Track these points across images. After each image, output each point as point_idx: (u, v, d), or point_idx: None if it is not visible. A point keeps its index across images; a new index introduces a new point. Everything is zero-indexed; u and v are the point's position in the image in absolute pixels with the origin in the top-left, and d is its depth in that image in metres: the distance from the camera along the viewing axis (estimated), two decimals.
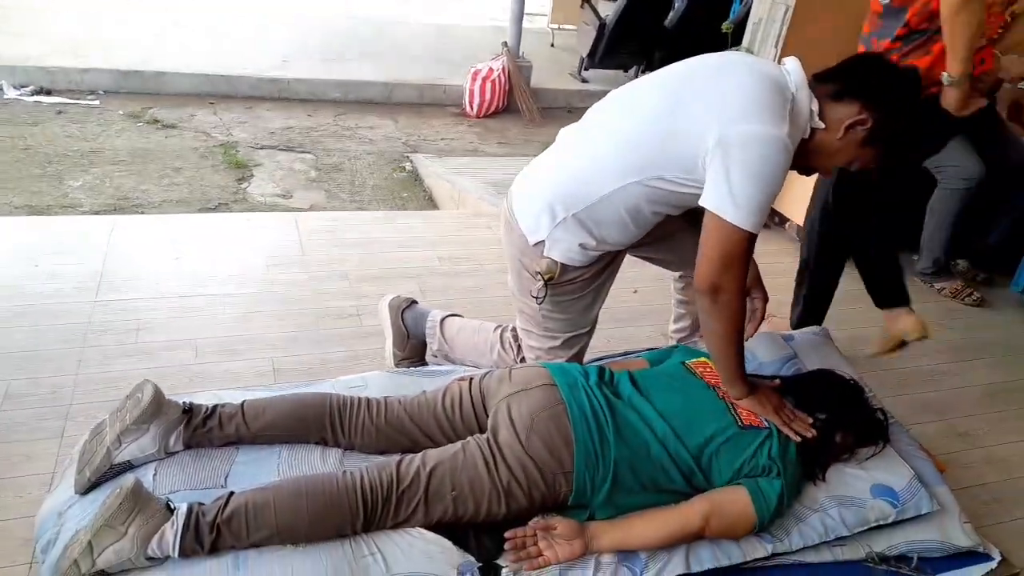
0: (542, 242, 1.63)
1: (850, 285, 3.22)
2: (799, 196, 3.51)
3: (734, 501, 1.36)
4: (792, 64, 1.49)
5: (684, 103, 1.46)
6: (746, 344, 1.87)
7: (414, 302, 2.13)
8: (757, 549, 1.39)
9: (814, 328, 2.06)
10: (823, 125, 1.47)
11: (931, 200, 3.13)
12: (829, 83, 1.49)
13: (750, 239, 1.41)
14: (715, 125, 1.39)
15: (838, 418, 1.51)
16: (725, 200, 1.38)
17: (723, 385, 1.49)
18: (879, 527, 1.47)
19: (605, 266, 1.71)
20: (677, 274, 2.05)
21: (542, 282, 1.66)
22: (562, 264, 1.63)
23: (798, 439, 1.44)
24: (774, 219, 3.73)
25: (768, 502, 1.35)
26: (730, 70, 1.49)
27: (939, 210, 3.09)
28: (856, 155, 1.52)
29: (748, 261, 1.45)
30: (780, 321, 2.47)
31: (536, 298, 1.70)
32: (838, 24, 3.14)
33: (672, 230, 1.77)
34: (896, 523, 1.48)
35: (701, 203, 1.42)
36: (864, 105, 1.45)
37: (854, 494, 1.48)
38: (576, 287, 1.70)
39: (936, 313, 3.08)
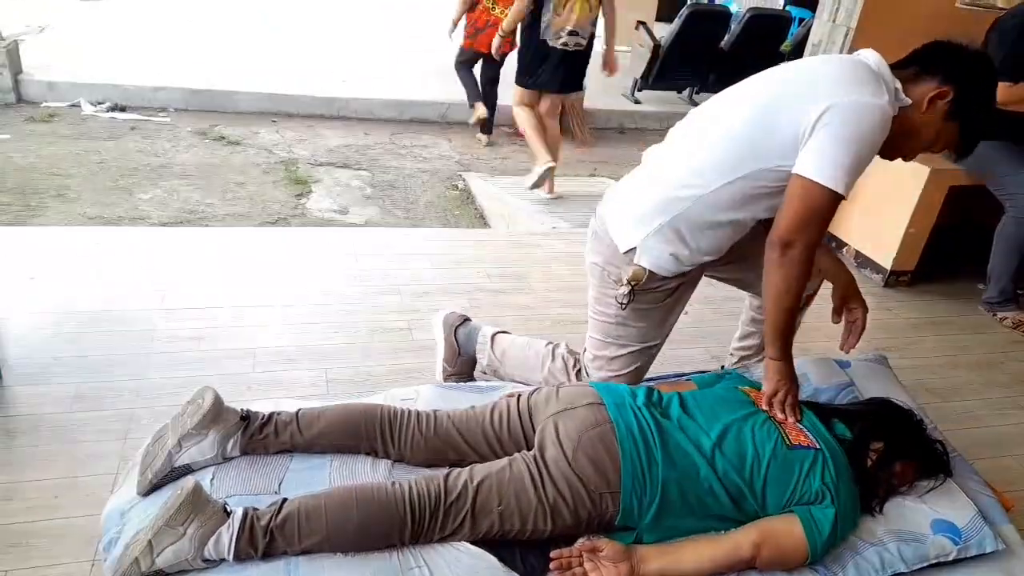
0: (633, 249, 1.66)
1: (909, 313, 3.14)
2: (857, 224, 3.44)
3: (786, 531, 1.32)
4: (868, 51, 1.54)
5: (776, 96, 1.51)
6: (801, 369, 1.85)
7: (468, 319, 2.16)
8: None
9: (871, 355, 2.01)
10: (909, 101, 1.49)
11: (998, 227, 3.05)
12: (906, 67, 1.53)
13: (832, 198, 1.41)
14: (814, 103, 1.42)
15: (896, 448, 1.47)
16: (810, 159, 1.42)
17: (765, 340, 1.56)
18: (939, 564, 1.42)
19: (688, 281, 1.74)
20: (752, 292, 2.04)
21: (629, 288, 1.68)
22: (649, 272, 1.66)
23: (772, 413, 1.48)
24: (831, 244, 3.65)
25: (821, 532, 1.31)
26: (809, 63, 1.57)
27: (1006, 238, 3.02)
28: (940, 131, 1.54)
29: (826, 222, 1.47)
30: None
31: (621, 304, 1.72)
32: (902, 47, 3.09)
33: (755, 250, 1.75)
34: (957, 561, 1.42)
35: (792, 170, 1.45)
36: (944, 78, 1.49)
37: (913, 528, 1.43)
38: (658, 296, 1.72)
39: (998, 344, 2.97)
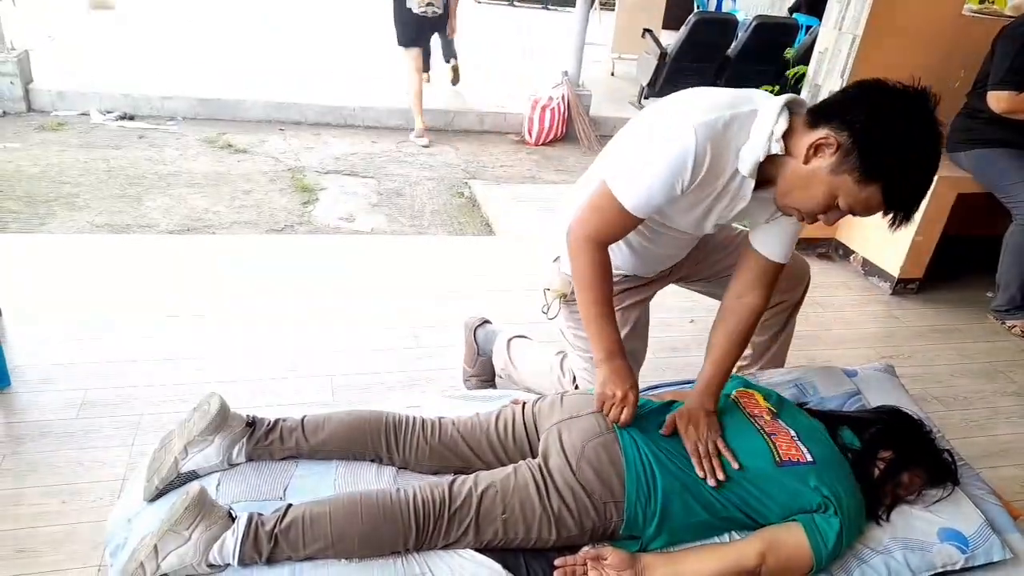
0: (559, 258, 1.71)
1: (916, 322, 3.13)
2: (865, 231, 3.43)
3: (791, 540, 1.31)
4: (785, 96, 1.38)
5: (646, 119, 1.50)
6: (807, 378, 1.84)
7: (488, 321, 2.18)
8: None
9: (878, 364, 2.00)
10: (781, 148, 1.31)
11: (1006, 236, 3.04)
12: (810, 113, 1.34)
13: (616, 206, 1.42)
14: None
15: (904, 457, 1.46)
16: (615, 163, 1.46)
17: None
18: (946, 573, 1.40)
19: (626, 289, 1.75)
20: None
21: (552, 297, 1.73)
22: None
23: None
24: (838, 251, 3.65)
25: (826, 541, 1.30)
26: (700, 93, 1.45)
27: (1014, 246, 3.00)
28: (832, 187, 1.29)
29: (609, 228, 1.48)
30: None
31: (545, 314, 1.76)
32: (909, 55, 3.10)
33: (728, 264, 1.77)
34: (965, 570, 1.41)
35: None
36: (833, 127, 1.27)
37: (920, 537, 1.42)
38: None
39: (1006, 352, 2.95)
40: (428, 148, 5.24)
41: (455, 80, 6.32)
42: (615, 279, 1.67)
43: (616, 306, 1.71)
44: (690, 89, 1.48)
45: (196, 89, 5.36)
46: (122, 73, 5.53)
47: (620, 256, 1.68)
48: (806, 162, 1.30)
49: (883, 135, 1.23)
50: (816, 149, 1.29)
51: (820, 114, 1.31)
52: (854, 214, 1.33)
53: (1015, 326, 3.10)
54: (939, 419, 1.92)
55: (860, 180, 1.26)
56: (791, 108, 1.36)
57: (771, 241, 1.55)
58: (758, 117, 1.34)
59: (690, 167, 1.33)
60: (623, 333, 1.77)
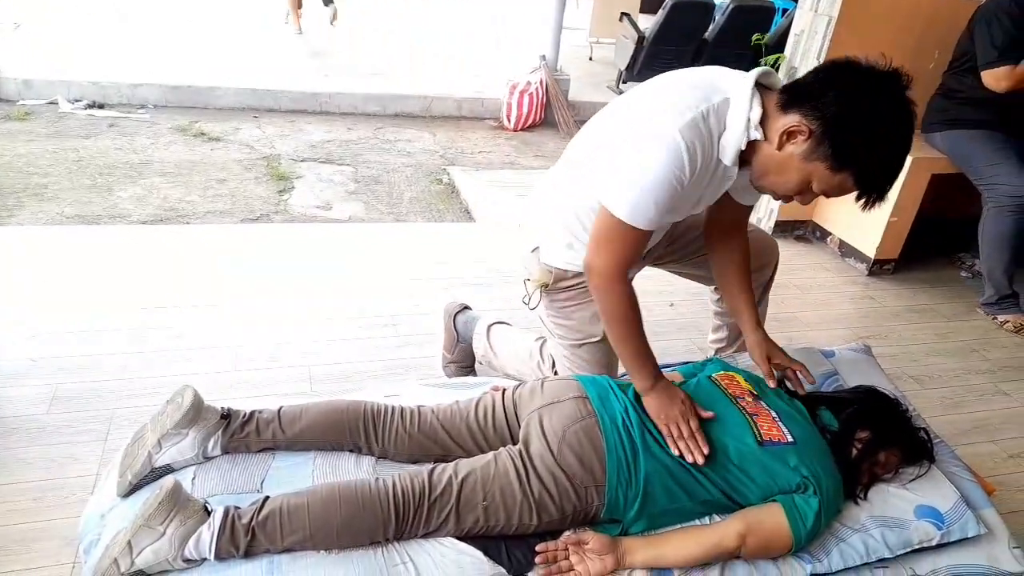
0: (538, 248, 1.69)
1: (892, 302, 3.16)
2: (841, 213, 3.45)
3: (771, 521, 1.32)
4: (755, 71, 1.37)
5: (627, 110, 1.49)
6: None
7: (467, 307, 2.17)
8: (795, 569, 1.35)
9: (854, 344, 2.02)
10: (760, 135, 1.32)
11: (980, 222, 2.99)
12: (784, 93, 1.33)
13: (623, 227, 1.38)
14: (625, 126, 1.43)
15: (881, 436, 1.47)
16: (608, 184, 1.40)
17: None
18: (923, 549, 1.42)
19: None
20: (713, 287, 2.04)
21: (534, 288, 1.71)
22: (559, 270, 1.68)
23: (677, 454, 1.35)
24: (815, 234, 3.67)
25: (805, 521, 1.31)
26: (672, 80, 1.44)
27: (989, 231, 2.95)
28: (805, 173, 1.30)
29: (625, 251, 1.42)
30: None
31: (526, 304, 1.75)
32: (884, 36, 3.11)
33: (702, 245, 1.77)
34: (941, 546, 1.43)
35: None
36: (804, 112, 1.28)
37: (897, 515, 1.44)
38: (577, 294, 1.72)
39: (980, 330, 2.99)
40: (300, 35, 6.95)
41: (333, 19, 7.29)
42: None
43: None
44: (655, 80, 1.47)
45: (167, 76, 5.25)
46: (91, 60, 5.40)
47: None
48: (779, 148, 1.32)
49: (853, 122, 1.24)
50: (788, 135, 1.30)
51: (792, 97, 1.31)
52: (827, 196, 1.35)
53: (1007, 321, 3.01)
54: (915, 398, 1.94)
55: (832, 167, 1.28)
56: (762, 84, 1.37)
57: (739, 194, 1.61)
58: (731, 105, 1.34)
59: (687, 170, 1.33)
60: None
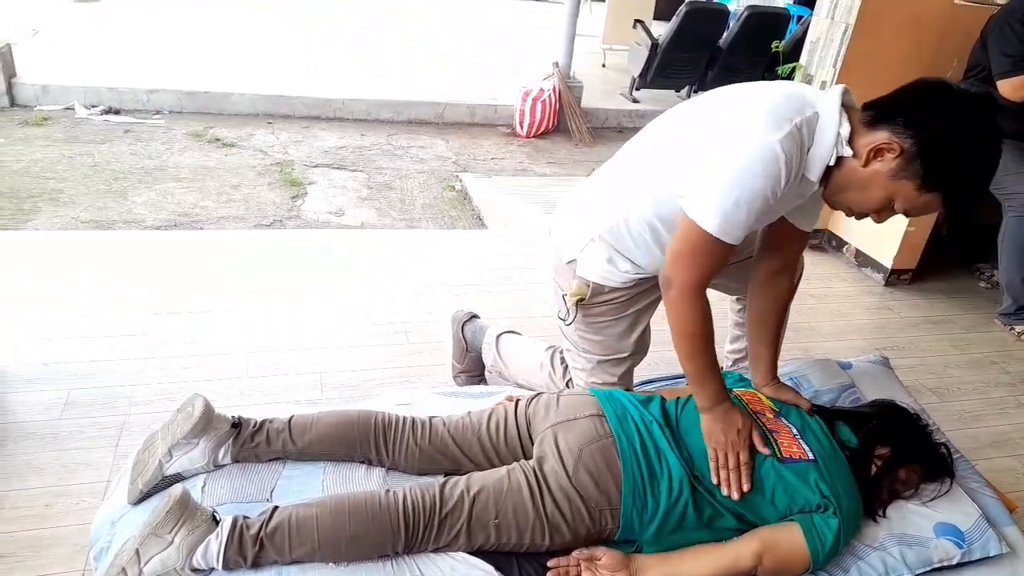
0: (574, 260, 1.63)
1: (910, 312, 3.12)
2: (858, 222, 3.41)
3: (788, 540, 1.29)
4: (837, 87, 1.35)
5: (706, 130, 1.40)
6: (801, 371, 1.83)
7: (475, 316, 2.15)
8: None
9: (872, 356, 1.99)
10: (850, 151, 1.30)
11: (1000, 232, 2.94)
12: (869, 109, 1.32)
13: (710, 240, 1.31)
14: (716, 134, 1.35)
15: (901, 452, 1.44)
16: (695, 196, 1.33)
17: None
18: (943, 568, 1.39)
19: (644, 291, 1.68)
20: (734, 297, 2.01)
21: (572, 302, 1.65)
22: (596, 284, 1.63)
23: (715, 483, 1.32)
24: (831, 243, 3.63)
25: (823, 541, 1.28)
26: (749, 92, 1.39)
27: (1009, 241, 2.90)
28: (890, 191, 1.30)
29: (709, 265, 1.36)
30: None
31: (563, 319, 1.70)
32: (902, 44, 3.08)
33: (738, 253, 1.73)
34: (961, 564, 1.40)
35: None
36: (895, 130, 1.26)
37: (917, 532, 1.41)
38: (611, 309, 1.68)
39: (999, 342, 2.94)
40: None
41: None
42: (645, 277, 1.63)
43: (640, 304, 1.70)
44: (732, 90, 1.42)
45: (183, 82, 5.29)
46: (107, 66, 5.46)
47: (648, 255, 1.58)
48: (865, 165, 1.30)
49: (949, 146, 1.23)
50: (876, 152, 1.28)
51: (880, 114, 1.29)
52: (907, 216, 1.37)
53: None
54: (933, 411, 1.90)
55: (921, 187, 1.26)
56: (844, 102, 1.34)
57: (798, 215, 1.54)
58: (820, 119, 1.31)
59: (782, 183, 1.28)
60: (638, 333, 1.75)
